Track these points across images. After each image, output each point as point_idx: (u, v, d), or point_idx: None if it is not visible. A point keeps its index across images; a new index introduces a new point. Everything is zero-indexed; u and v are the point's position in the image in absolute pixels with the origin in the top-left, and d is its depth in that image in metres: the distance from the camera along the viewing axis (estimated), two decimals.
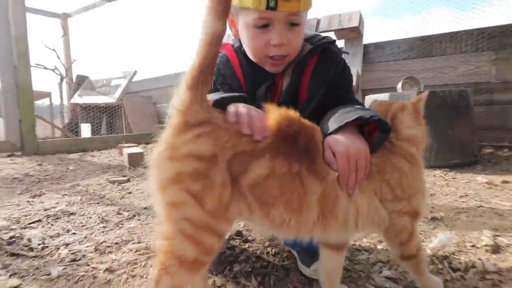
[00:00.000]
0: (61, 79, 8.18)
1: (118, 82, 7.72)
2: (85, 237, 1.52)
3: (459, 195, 2.12)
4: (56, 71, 8.08)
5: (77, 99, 7.59)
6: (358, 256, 1.27)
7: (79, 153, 4.56)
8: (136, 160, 3.44)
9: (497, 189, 2.25)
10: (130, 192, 2.38)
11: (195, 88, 0.70)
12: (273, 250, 1.32)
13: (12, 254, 1.33)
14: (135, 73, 7.82)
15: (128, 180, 2.76)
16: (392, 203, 0.84)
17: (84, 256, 1.32)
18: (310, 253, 1.13)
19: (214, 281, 1.10)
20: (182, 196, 0.69)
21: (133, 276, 1.16)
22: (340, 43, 4.69)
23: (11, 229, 1.62)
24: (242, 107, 0.78)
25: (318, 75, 1.06)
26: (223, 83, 1.08)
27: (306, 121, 0.81)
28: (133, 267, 1.23)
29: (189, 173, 0.69)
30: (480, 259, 1.23)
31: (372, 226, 0.85)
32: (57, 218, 1.79)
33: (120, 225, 1.69)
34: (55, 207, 1.98)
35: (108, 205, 2.06)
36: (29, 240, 1.48)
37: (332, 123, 0.81)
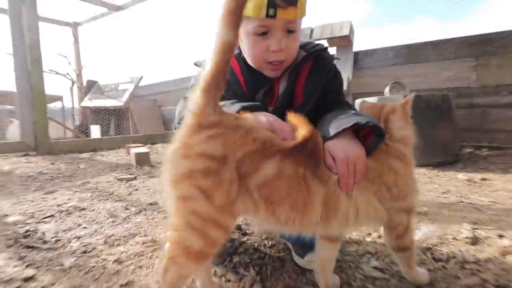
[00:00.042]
0: (72, 84, 8.16)
1: (126, 86, 7.71)
2: (95, 231, 1.53)
3: (442, 191, 2.14)
4: (67, 76, 8.06)
5: (87, 102, 7.58)
6: (348, 248, 1.28)
7: (89, 153, 4.55)
8: (142, 159, 3.43)
9: (476, 186, 2.26)
10: (137, 189, 2.38)
11: (209, 92, 0.71)
12: (270, 243, 1.33)
13: (28, 247, 1.34)
14: (141, 78, 7.80)
15: (135, 178, 2.76)
16: (390, 202, 0.85)
17: (94, 248, 1.33)
18: (304, 245, 1.14)
19: (215, 271, 1.11)
20: (192, 191, 0.70)
21: (140, 267, 1.17)
22: (332, 50, 4.70)
23: (27, 224, 1.62)
24: (270, 117, 0.81)
25: (312, 80, 1.07)
26: (227, 89, 1.08)
27: (315, 129, 0.82)
28: (140, 258, 1.24)
29: (200, 171, 0.70)
30: (460, 250, 1.24)
31: (371, 222, 0.88)
32: (69, 213, 1.80)
33: (127, 220, 1.69)
34: (67, 203, 1.98)
35: (116, 201, 2.06)
36: (43, 233, 1.49)
37: (331, 129, 0.82)
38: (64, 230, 1.54)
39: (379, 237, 1.38)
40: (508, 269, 1.09)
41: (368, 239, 1.36)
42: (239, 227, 1.47)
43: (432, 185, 2.31)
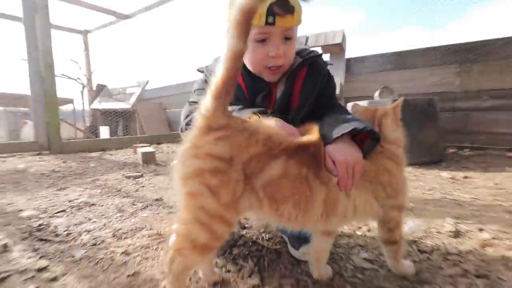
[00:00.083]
0: (83, 88, 8.14)
1: (133, 90, 7.70)
2: (104, 225, 1.53)
3: (427, 188, 2.15)
4: (78, 80, 8.04)
5: (97, 105, 7.56)
6: (340, 241, 1.28)
7: (99, 152, 4.54)
8: (148, 158, 3.43)
9: (458, 183, 2.27)
10: (143, 186, 2.37)
11: (219, 97, 0.71)
12: (267, 236, 1.34)
13: (41, 240, 1.34)
14: (147, 82, 7.80)
15: (142, 176, 2.76)
16: (385, 199, 0.87)
17: (103, 241, 1.33)
18: (298, 238, 1.14)
19: (216, 262, 1.11)
20: (200, 188, 0.70)
21: (146, 259, 1.17)
22: (326, 57, 4.70)
23: (40, 218, 1.62)
24: (278, 121, 0.83)
25: (308, 85, 1.07)
26: None
27: (316, 135, 0.83)
28: (146, 250, 1.24)
29: (209, 170, 0.70)
30: (443, 243, 1.25)
31: (367, 218, 0.91)
32: (80, 209, 1.79)
33: (134, 215, 1.69)
34: (78, 199, 1.98)
35: (124, 197, 2.06)
36: (56, 227, 1.49)
37: (330, 133, 0.82)
38: (75, 224, 1.54)
39: (369, 230, 1.39)
40: (488, 260, 1.10)
41: (358, 233, 1.37)
42: (238, 222, 1.47)
43: (418, 182, 2.32)
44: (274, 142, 0.74)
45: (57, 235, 1.39)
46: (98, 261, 1.15)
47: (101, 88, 8.04)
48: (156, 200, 1.97)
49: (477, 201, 1.82)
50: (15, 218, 1.61)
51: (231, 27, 0.69)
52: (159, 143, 5.61)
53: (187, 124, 1.00)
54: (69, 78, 7.81)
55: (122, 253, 1.21)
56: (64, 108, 7.84)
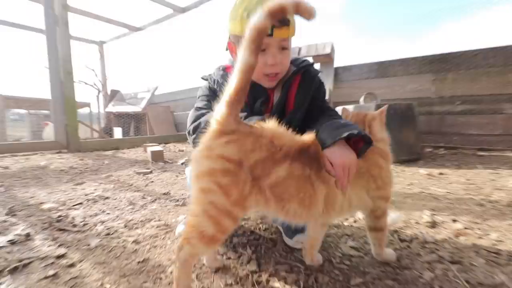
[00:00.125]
0: (98, 92, 8.12)
1: (143, 95, 7.66)
2: (117, 216, 1.51)
3: (406, 183, 2.15)
4: (94, 86, 8.04)
5: (111, 108, 7.52)
6: (329, 231, 1.28)
7: (112, 151, 4.51)
8: (157, 156, 3.41)
9: (434, 179, 2.28)
10: (152, 181, 2.36)
11: (232, 104, 0.71)
12: (264, 226, 1.33)
13: (60, 230, 1.32)
14: (156, 88, 7.77)
15: (151, 172, 2.74)
16: (375, 191, 0.88)
17: (116, 231, 1.32)
18: (292, 228, 1.14)
19: (218, 250, 1.10)
20: (212, 186, 0.70)
21: (155, 247, 1.16)
22: (317, 66, 4.70)
23: (59, 210, 1.60)
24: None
25: (302, 90, 1.06)
26: None
27: (315, 140, 0.83)
28: (154, 239, 1.23)
29: (220, 170, 0.70)
30: (421, 232, 1.25)
31: (360, 210, 0.93)
32: (95, 202, 1.78)
33: (144, 207, 1.68)
34: (93, 193, 1.97)
35: (135, 191, 2.05)
36: (73, 218, 1.47)
37: (327, 138, 0.81)
38: (91, 216, 1.52)
39: (355, 221, 1.38)
40: (461, 248, 1.10)
41: (345, 223, 1.36)
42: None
43: (399, 178, 2.32)
44: (275, 147, 0.73)
45: (74, 226, 1.38)
46: (111, 249, 1.14)
47: (115, 93, 7.99)
48: (164, 194, 1.96)
49: (451, 195, 1.82)
50: (37, 210, 1.59)
51: (245, 43, 0.68)
52: (167, 143, 5.58)
53: (194, 128, 0.99)
54: (86, 84, 7.83)
55: (133, 241, 1.20)
56: (82, 111, 7.81)
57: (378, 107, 2.97)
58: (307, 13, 0.66)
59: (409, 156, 3.06)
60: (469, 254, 1.06)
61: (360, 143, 0.83)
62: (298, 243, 1.11)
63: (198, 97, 1.14)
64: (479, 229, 1.28)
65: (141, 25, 7.06)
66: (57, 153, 4.06)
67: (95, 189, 2.07)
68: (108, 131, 7.35)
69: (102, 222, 1.43)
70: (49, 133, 5.61)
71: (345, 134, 0.79)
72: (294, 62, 1.11)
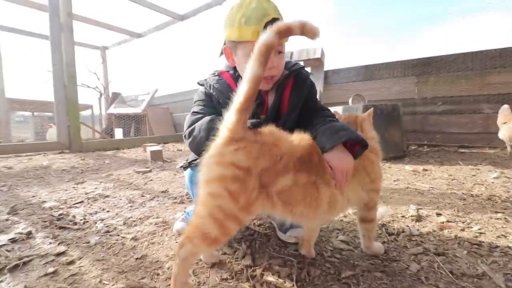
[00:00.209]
0: (100, 95, 8.01)
1: (143, 97, 7.56)
2: (116, 214, 1.48)
3: (393, 179, 2.15)
4: (96, 89, 7.93)
5: (112, 110, 7.41)
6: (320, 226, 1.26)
7: (113, 151, 4.44)
8: (156, 156, 3.37)
9: (419, 175, 2.28)
10: (151, 180, 2.32)
11: (241, 112, 0.69)
12: (258, 222, 1.31)
13: (60, 227, 1.29)
14: (156, 90, 7.68)
15: (150, 171, 2.70)
16: (368, 184, 0.89)
17: (115, 228, 1.29)
18: (285, 224, 1.12)
19: None
20: (221, 191, 0.68)
21: (153, 243, 1.13)
22: (308, 69, 4.69)
23: (60, 208, 1.56)
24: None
25: (295, 92, 1.05)
26: (227, 104, 1.05)
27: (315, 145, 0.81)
28: (152, 236, 1.20)
29: (230, 176, 0.68)
30: (407, 226, 1.24)
31: (356, 205, 0.94)
32: (95, 200, 1.74)
33: (143, 205, 1.64)
34: (94, 191, 1.92)
35: (134, 189, 2.01)
36: (74, 216, 1.43)
37: (326, 142, 0.79)
38: (91, 214, 1.48)
39: (345, 216, 1.37)
40: (445, 240, 1.10)
41: (336, 218, 1.35)
42: None
43: (386, 175, 2.32)
44: (276, 156, 0.71)
45: (75, 224, 1.34)
46: (110, 246, 1.10)
47: (116, 95, 7.88)
48: (162, 192, 1.93)
49: (435, 190, 1.83)
50: (39, 209, 1.55)
51: (254, 56, 0.67)
52: (166, 143, 5.53)
53: (189, 132, 0.97)
54: (88, 87, 7.70)
55: (132, 238, 1.17)
56: (84, 113, 7.70)
57: (365, 107, 2.97)
58: (311, 33, 0.66)
59: (395, 153, 3.07)
60: (452, 246, 1.05)
61: (356, 145, 0.83)
62: (291, 237, 1.09)
63: (195, 102, 1.11)
64: (462, 222, 1.28)
65: (142, 31, 7.01)
66: (60, 153, 3.98)
67: (96, 188, 2.03)
68: (110, 132, 7.26)
69: (102, 220, 1.40)
70: (52, 134, 5.49)
71: (344, 139, 0.79)
72: (286, 65, 1.09)
